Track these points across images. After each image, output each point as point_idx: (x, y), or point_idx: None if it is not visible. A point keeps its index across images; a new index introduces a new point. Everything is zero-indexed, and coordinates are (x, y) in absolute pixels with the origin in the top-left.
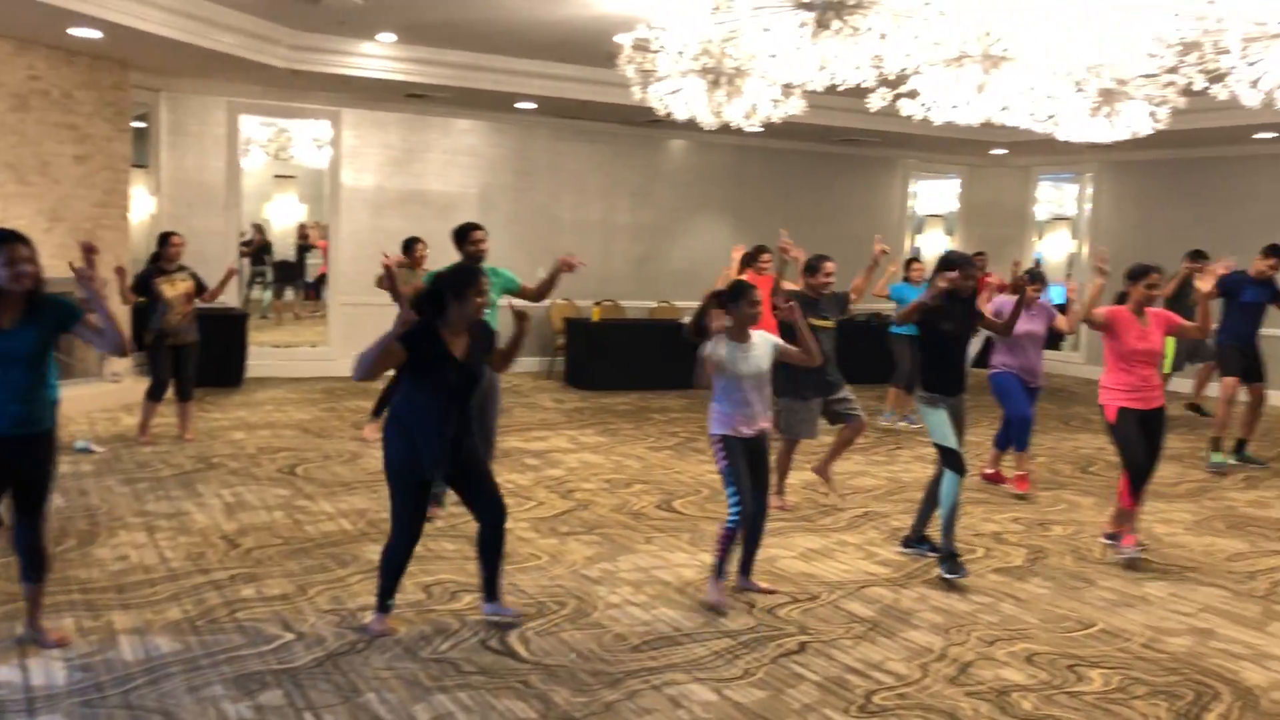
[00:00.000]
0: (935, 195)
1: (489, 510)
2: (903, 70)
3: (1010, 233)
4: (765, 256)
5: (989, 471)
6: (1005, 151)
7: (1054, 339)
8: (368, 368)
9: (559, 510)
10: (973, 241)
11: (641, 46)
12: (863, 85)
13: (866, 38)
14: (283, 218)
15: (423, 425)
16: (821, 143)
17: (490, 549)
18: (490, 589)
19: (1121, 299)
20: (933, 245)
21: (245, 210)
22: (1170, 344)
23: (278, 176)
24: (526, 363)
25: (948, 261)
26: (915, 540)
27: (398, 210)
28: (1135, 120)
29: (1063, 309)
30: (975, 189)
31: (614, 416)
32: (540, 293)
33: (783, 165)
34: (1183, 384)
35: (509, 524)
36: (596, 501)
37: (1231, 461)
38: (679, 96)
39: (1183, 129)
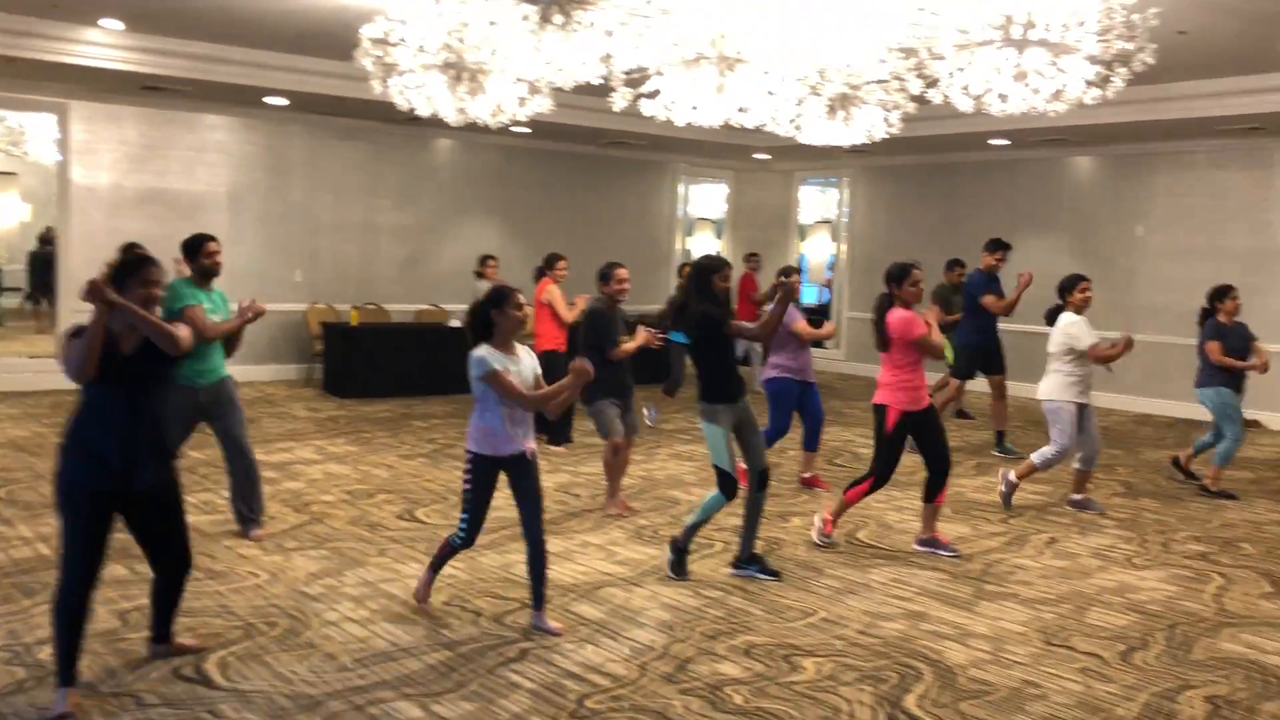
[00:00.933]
0: (706, 199)
1: (169, 563)
2: (644, 71)
3: (776, 235)
4: (561, 263)
5: (805, 475)
6: (768, 156)
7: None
8: (78, 367)
9: (290, 525)
10: (741, 244)
11: (381, 40)
12: (607, 84)
13: (591, 34)
14: (2, 218)
15: (96, 432)
16: (590, 145)
17: (164, 598)
18: (160, 631)
19: (887, 301)
20: (702, 248)
21: None
22: (947, 348)
23: None
24: (282, 370)
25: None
26: (745, 561)
27: (137, 211)
28: (870, 124)
29: (822, 312)
30: (742, 193)
31: (370, 425)
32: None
33: (552, 167)
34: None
35: (230, 542)
36: (333, 514)
37: (995, 454)
38: (420, 92)
39: (927, 135)
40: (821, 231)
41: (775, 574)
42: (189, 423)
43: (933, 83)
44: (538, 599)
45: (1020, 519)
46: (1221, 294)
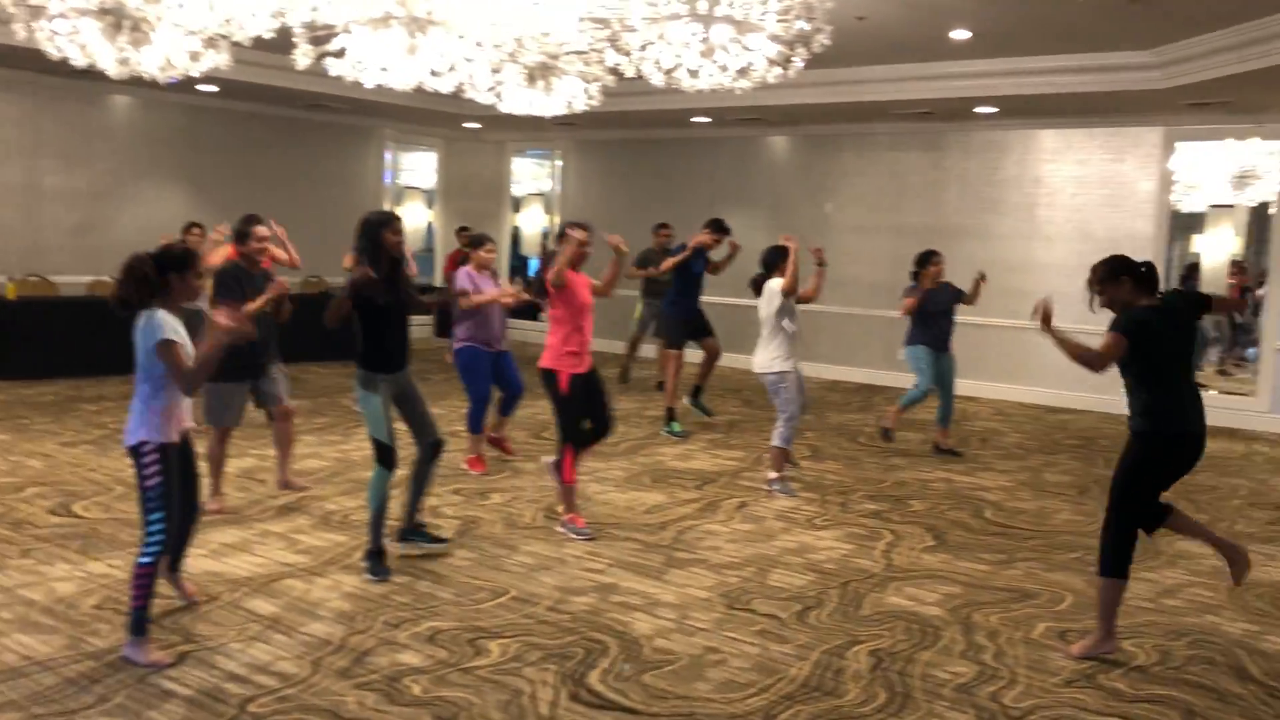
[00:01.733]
0: (416, 168)
1: None
2: (330, 28)
3: (489, 207)
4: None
5: (494, 435)
6: (479, 126)
7: (534, 310)
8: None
9: None
10: (453, 215)
11: None
12: (290, 41)
13: None
14: None
15: None
16: (288, 106)
17: None
18: None
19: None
20: (412, 218)
21: None
22: (640, 307)
23: None
24: None
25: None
26: (409, 532)
27: None
28: (570, 94)
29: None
30: (453, 163)
31: (29, 409)
32: None
33: (246, 129)
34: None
35: None
36: None
37: (686, 402)
38: (74, 39)
39: (634, 110)
40: (536, 204)
41: (442, 540)
42: None
43: (626, 54)
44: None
45: (714, 485)
46: (924, 259)
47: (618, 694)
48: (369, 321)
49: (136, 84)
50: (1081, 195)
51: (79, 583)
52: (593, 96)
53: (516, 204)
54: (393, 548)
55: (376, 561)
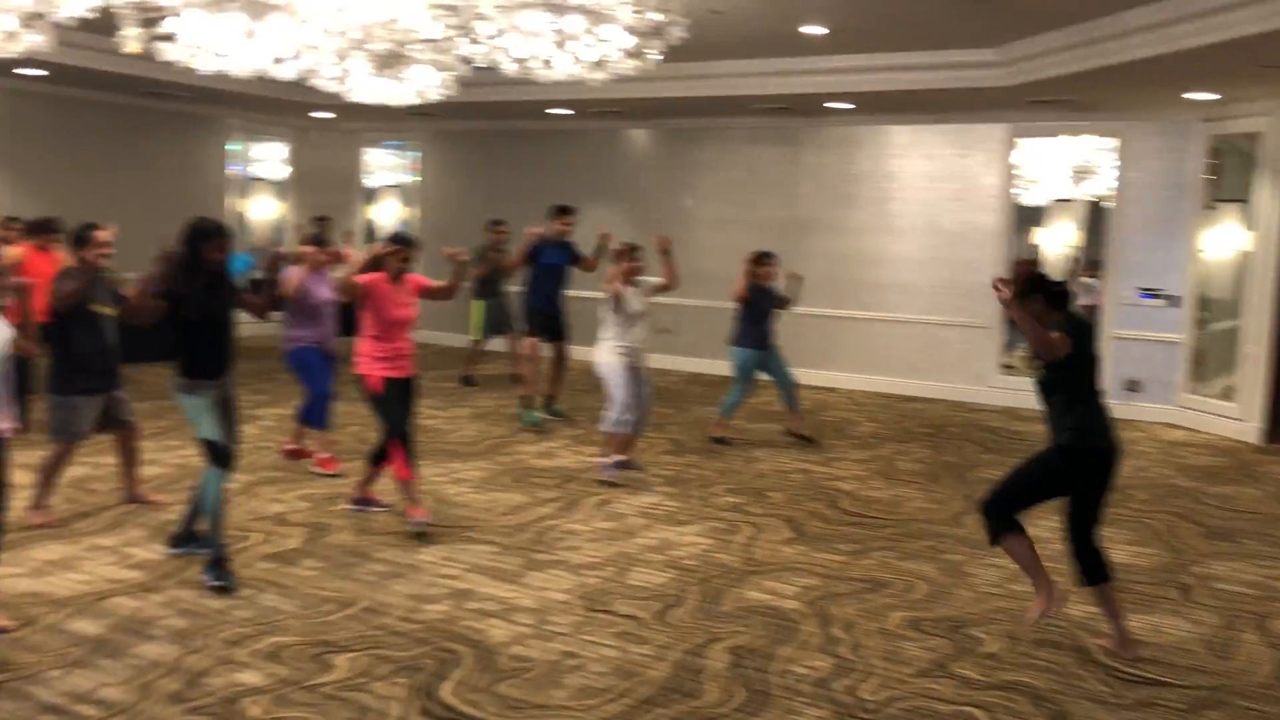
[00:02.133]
0: (265, 159)
1: None
2: (159, 9)
3: (343, 199)
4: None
5: (290, 446)
6: (331, 115)
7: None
8: None
9: None
10: (305, 208)
11: None
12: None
13: None
14: None
15: None
16: (123, 93)
17: None
18: None
19: (376, 265)
20: (263, 211)
21: None
22: (477, 310)
23: None
24: None
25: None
26: (184, 538)
27: None
28: (423, 84)
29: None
30: (304, 154)
31: None
32: None
33: (77, 116)
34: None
35: None
36: None
37: (543, 416)
38: None
39: (493, 100)
40: (392, 196)
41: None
42: None
43: (477, 44)
44: None
45: (575, 482)
46: (759, 259)
47: (471, 706)
48: (186, 330)
49: None
50: (930, 190)
51: None
52: (447, 86)
53: (371, 196)
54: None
55: (220, 569)
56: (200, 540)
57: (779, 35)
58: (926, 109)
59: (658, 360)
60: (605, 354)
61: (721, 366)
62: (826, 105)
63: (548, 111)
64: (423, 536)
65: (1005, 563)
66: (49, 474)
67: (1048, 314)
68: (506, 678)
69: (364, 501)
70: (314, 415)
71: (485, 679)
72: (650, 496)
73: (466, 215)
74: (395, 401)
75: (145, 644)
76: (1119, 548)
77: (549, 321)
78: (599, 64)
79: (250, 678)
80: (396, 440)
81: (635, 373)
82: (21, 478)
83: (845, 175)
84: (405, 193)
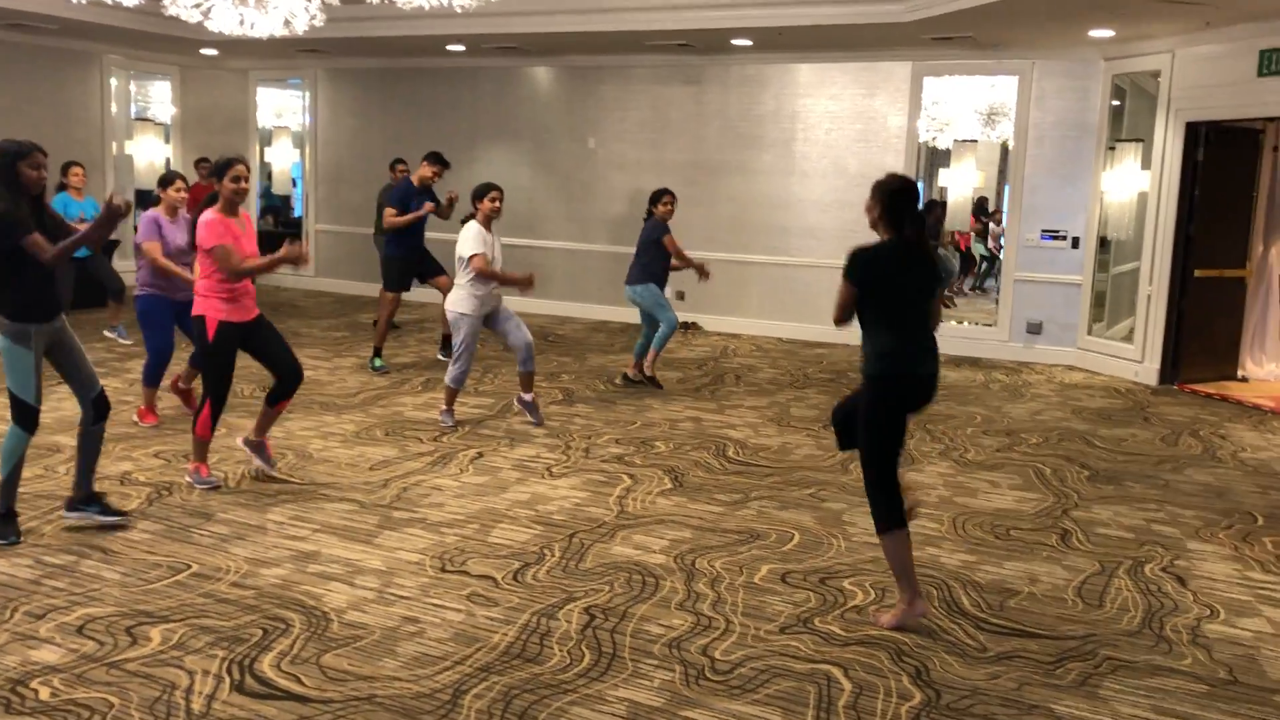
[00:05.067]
0: (151, 98)
1: None
2: None
3: (233, 140)
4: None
5: (184, 388)
6: (215, 53)
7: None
8: None
9: None
10: (195, 150)
11: None
12: None
13: None
14: None
15: None
16: None
17: None
18: None
19: (212, 200)
20: (147, 153)
21: None
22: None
23: None
24: None
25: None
26: (82, 501)
27: None
28: (288, 12)
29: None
30: (191, 93)
31: None
32: None
33: None
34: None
35: None
36: None
37: (441, 357)
38: None
39: (387, 36)
40: (285, 137)
41: (120, 514)
42: None
43: None
44: None
45: (455, 435)
46: (656, 197)
47: (290, 680)
48: (6, 264)
49: None
50: (836, 130)
51: None
52: (314, 16)
53: (267, 138)
54: (51, 527)
55: (5, 524)
56: (100, 504)
57: None
58: (830, 46)
59: (561, 308)
60: (456, 301)
61: (626, 314)
62: (731, 43)
63: (446, 49)
64: (210, 489)
65: None
66: None
67: (882, 226)
68: (336, 646)
69: (258, 448)
70: (150, 370)
71: (312, 649)
72: (530, 449)
73: (361, 157)
74: (225, 353)
75: None
76: (1004, 493)
77: (422, 267)
78: None
79: (48, 655)
80: (208, 401)
81: (495, 315)
82: None
83: (750, 116)
84: (298, 134)
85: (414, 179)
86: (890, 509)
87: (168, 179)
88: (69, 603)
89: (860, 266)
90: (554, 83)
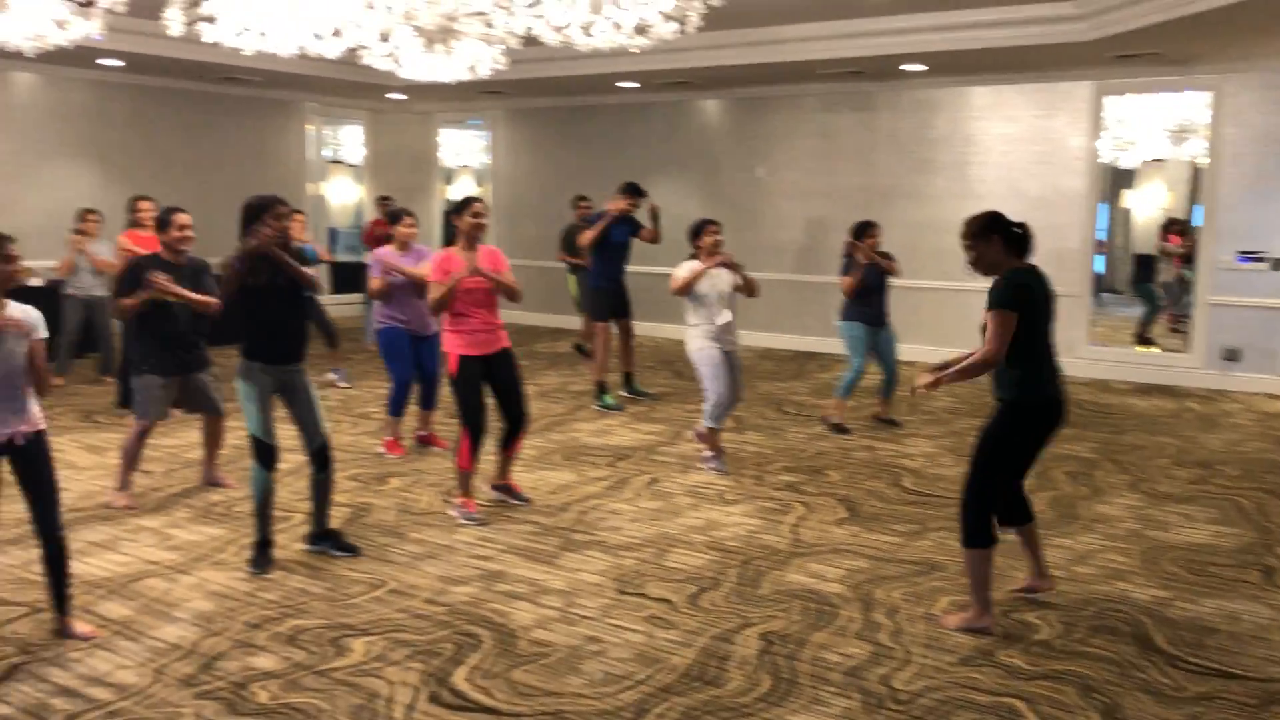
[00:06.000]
0: (343, 141)
1: None
2: None
3: (419, 180)
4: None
5: (422, 433)
6: (404, 97)
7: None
8: None
9: None
10: (381, 190)
11: None
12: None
13: None
14: None
15: None
16: (199, 80)
17: None
18: None
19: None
20: (340, 194)
21: None
22: (572, 284)
23: None
24: None
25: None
26: (318, 537)
27: None
28: (474, 59)
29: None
30: (380, 135)
31: None
32: None
33: (156, 105)
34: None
35: None
36: None
37: (623, 394)
38: None
39: (559, 76)
40: (466, 175)
41: (351, 549)
42: None
43: (509, 12)
44: (60, 601)
45: (628, 461)
46: (861, 230)
47: (481, 693)
48: (251, 305)
49: (40, 60)
50: (1013, 153)
51: None
52: (497, 60)
53: (448, 176)
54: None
55: (259, 553)
56: (332, 539)
57: None
58: (1005, 68)
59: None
60: (695, 341)
61: (793, 341)
62: (901, 68)
63: (617, 85)
64: (474, 525)
65: (1070, 543)
66: (127, 455)
67: (1005, 258)
68: (524, 663)
69: (504, 489)
70: (392, 402)
71: (502, 664)
72: (703, 475)
73: (538, 193)
74: (471, 386)
75: (168, 626)
76: (1200, 527)
77: (616, 301)
78: (641, 29)
79: (265, 661)
80: (465, 431)
81: (729, 358)
82: (83, 459)
83: (923, 140)
84: (479, 172)
85: (609, 208)
86: (983, 527)
87: (397, 215)
88: (280, 614)
89: (1020, 294)
90: (723, 114)
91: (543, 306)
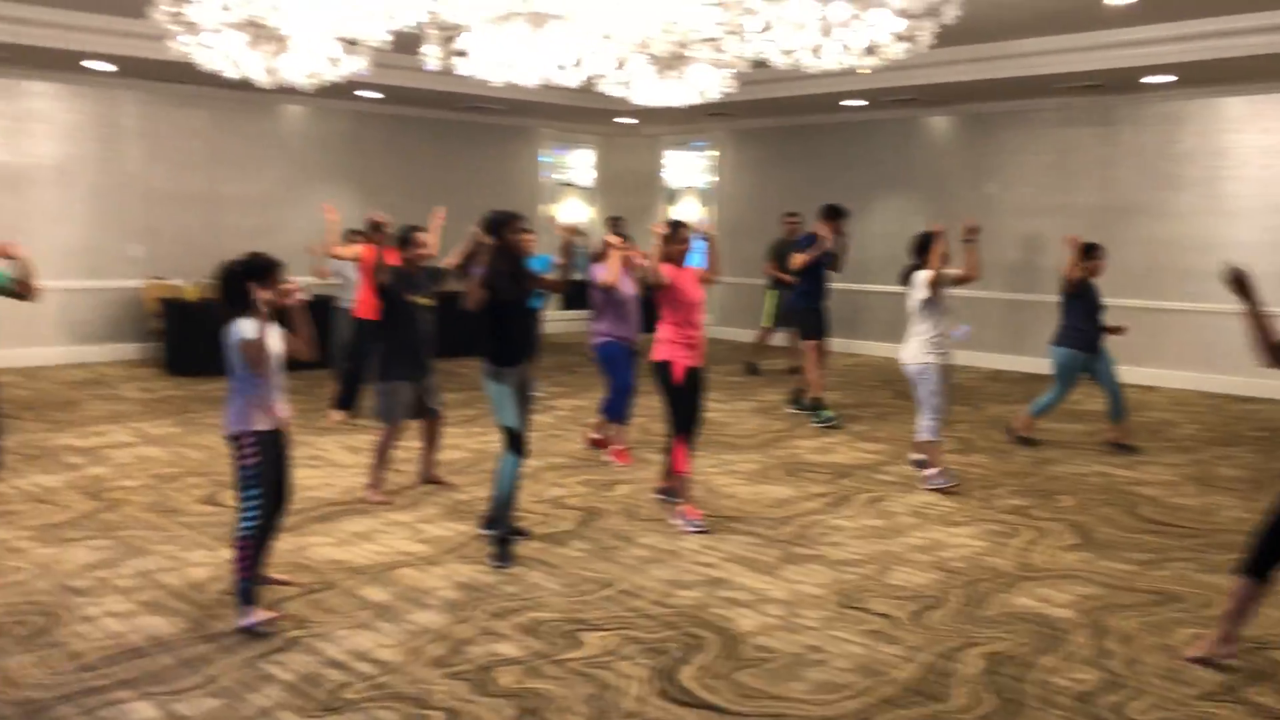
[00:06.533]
0: (573, 165)
1: None
2: (455, 28)
3: (645, 201)
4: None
5: (594, 436)
6: (634, 121)
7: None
8: None
9: (78, 514)
10: (609, 211)
11: None
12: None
13: None
14: None
15: None
16: (446, 109)
17: None
18: None
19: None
20: (572, 215)
21: None
22: (770, 300)
23: None
24: (120, 350)
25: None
26: (493, 521)
27: None
28: (703, 84)
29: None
30: (609, 158)
31: (203, 404)
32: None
33: (408, 132)
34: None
35: (4, 535)
36: (130, 500)
37: (791, 410)
38: (221, 52)
39: (784, 96)
40: (691, 196)
41: (523, 533)
42: None
43: (740, 38)
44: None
45: (850, 479)
46: (1087, 252)
47: (708, 691)
48: (495, 316)
49: (307, 94)
50: (1273, 166)
51: (211, 569)
52: (726, 84)
53: (672, 197)
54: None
55: (502, 549)
56: (508, 525)
57: (1081, 7)
58: (1262, 77)
59: (956, 355)
60: (919, 355)
61: (1024, 363)
62: (1143, 80)
63: (842, 104)
64: (699, 532)
65: None
66: (380, 455)
67: None
68: (748, 666)
69: (668, 492)
70: (614, 408)
71: (727, 666)
72: (926, 495)
73: (761, 212)
74: (690, 394)
75: (421, 611)
76: None
77: (821, 319)
78: (871, 50)
79: (507, 649)
80: (679, 437)
81: (945, 372)
82: (345, 458)
83: (1167, 154)
84: (704, 192)
85: (821, 234)
86: (1266, 561)
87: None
88: (521, 606)
89: None
90: (952, 131)
91: (758, 324)
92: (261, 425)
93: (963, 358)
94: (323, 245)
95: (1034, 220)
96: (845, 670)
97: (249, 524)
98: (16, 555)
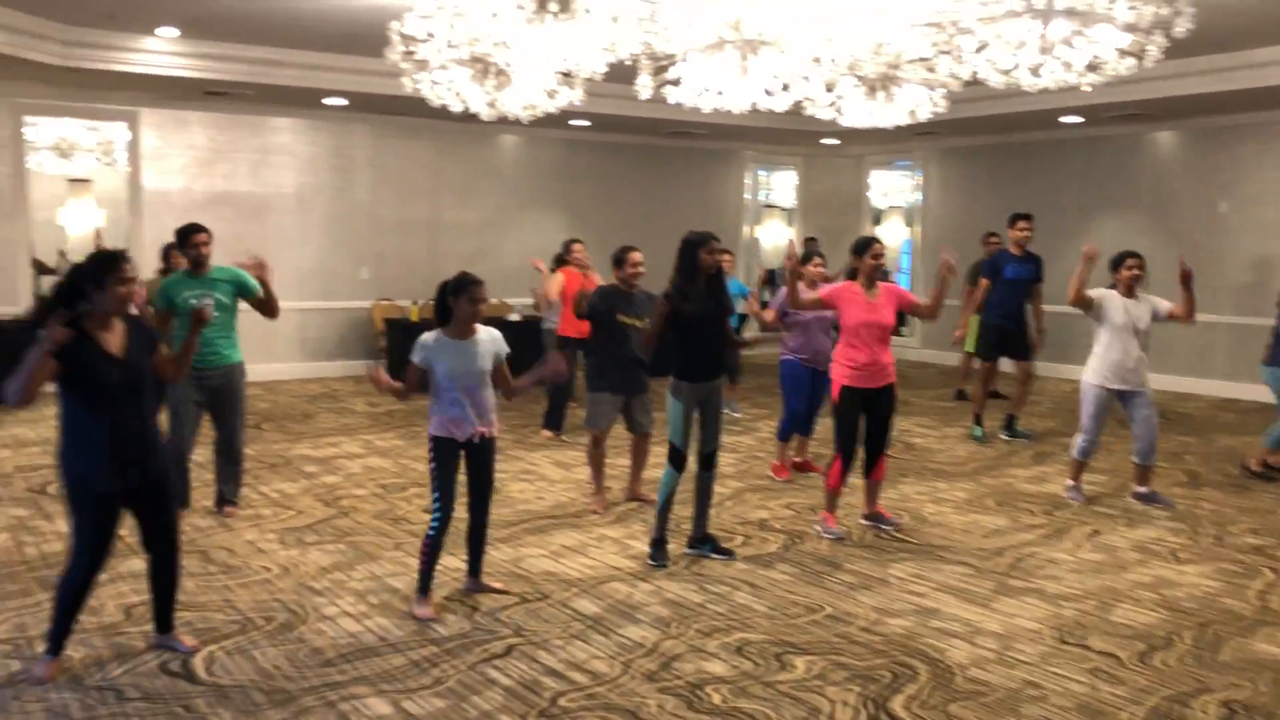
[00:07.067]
0: (776, 186)
1: (157, 543)
2: (668, 57)
3: (848, 221)
4: (577, 247)
5: (797, 460)
6: (837, 142)
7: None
8: (20, 393)
9: (315, 519)
10: (811, 231)
11: (409, 35)
12: (634, 72)
13: (592, 22)
14: (78, 224)
15: (92, 435)
16: (652, 135)
17: (159, 581)
18: (161, 620)
19: (852, 275)
20: (772, 237)
21: (39, 217)
22: (974, 325)
23: (72, 181)
24: (351, 366)
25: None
26: (698, 541)
27: (206, 213)
28: (913, 103)
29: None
30: (812, 179)
31: (424, 419)
32: (268, 305)
33: (615, 159)
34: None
35: (252, 536)
36: (361, 508)
37: (1004, 437)
38: (448, 87)
39: (996, 114)
40: (895, 216)
41: (728, 553)
42: (196, 411)
43: (956, 58)
44: (474, 568)
45: (1067, 511)
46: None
47: None
48: (681, 332)
49: (522, 124)
50: None
51: (437, 574)
52: (936, 104)
53: (877, 217)
54: (711, 563)
55: (657, 549)
56: (710, 543)
57: None
58: None
59: (1184, 384)
60: (1089, 373)
61: (1258, 391)
62: None
63: (1059, 120)
64: (836, 539)
65: None
66: (591, 463)
67: None
68: (961, 699)
69: (874, 517)
70: (786, 427)
71: (938, 697)
72: (1151, 530)
73: (968, 232)
74: (848, 414)
75: (631, 626)
76: None
77: (1009, 339)
78: (1092, 66)
79: (716, 667)
80: (837, 457)
81: (1128, 398)
82: (555, 473)
83: None
84: (908, 212)
85: (1012, 246)
86: None
87: (807, 256)
88: (728, 626)
89: None
90: (1178, 146)
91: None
92: (440, 431)
93: (1189, 386)
94: (542, 296)
95: (1271, 240)
96: (1066, 710)
97: (431, 526)
98: (263, 556)
